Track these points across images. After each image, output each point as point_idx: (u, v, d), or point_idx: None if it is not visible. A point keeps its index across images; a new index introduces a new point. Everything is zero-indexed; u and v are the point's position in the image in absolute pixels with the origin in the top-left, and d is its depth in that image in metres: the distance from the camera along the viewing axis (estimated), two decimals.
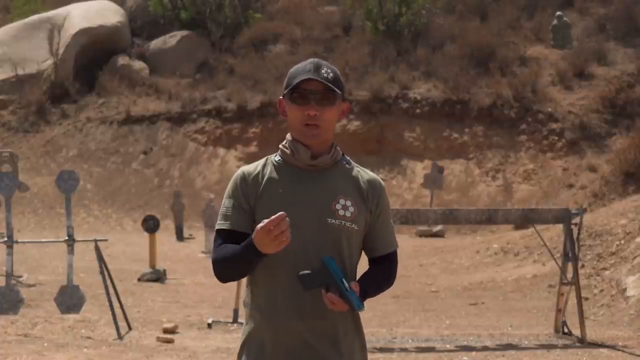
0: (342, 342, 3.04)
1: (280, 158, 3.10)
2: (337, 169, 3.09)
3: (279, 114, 3.14)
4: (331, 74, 3.03)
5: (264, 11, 30.82)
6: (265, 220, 2.80)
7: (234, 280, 3.08)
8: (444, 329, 10.58)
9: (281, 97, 3.11)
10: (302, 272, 2.95)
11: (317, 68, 3.02)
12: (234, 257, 2.96)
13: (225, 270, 3.02)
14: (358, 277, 3.09)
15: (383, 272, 3.13)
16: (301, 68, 3.05)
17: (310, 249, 2.98)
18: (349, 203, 3.03)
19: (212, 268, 3.05)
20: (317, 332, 3.00)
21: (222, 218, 3.06)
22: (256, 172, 3.08)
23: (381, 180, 3.16)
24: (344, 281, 2.90)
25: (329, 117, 3.03)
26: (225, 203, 3.08)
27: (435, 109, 25.11)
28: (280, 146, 3.11)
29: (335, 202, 3.02)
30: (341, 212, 3.01)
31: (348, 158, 3.14)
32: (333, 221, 3.00)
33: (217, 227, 3.08)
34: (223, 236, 3.05)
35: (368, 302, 3.07)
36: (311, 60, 3.08)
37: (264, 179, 3.06)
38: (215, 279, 3.10)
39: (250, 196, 3.04)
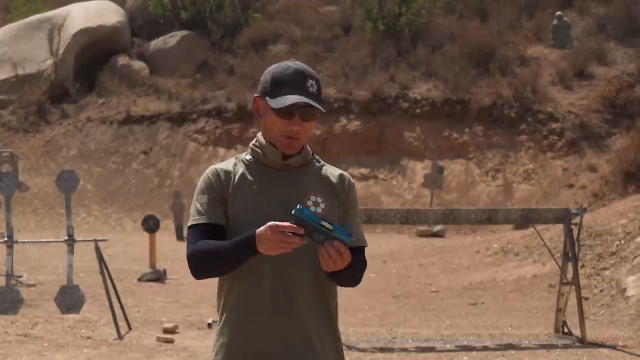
0: (316, 343, 3.00)
1: (251, 157, 3.10)
2: (308, 167, 3.11)
3: (254, 112, 3.11)
4: (315, 86, 3.02)
5: (264, 11, 30.82)
6: (285, 223, 2.79)
7: (211, 276, 2.99)
8: (444, 329, 10.57)
9: (257, 96, 3.08)
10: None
11: (302, 80, 3.00)
12: (222, 251, 2.91)
13: (207, 264, 2.95)
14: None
15: (352, 264, 3.00)
16: (287, 77, 3.01)
17: None
18: (319, 199, 3.04)
19: (189, 263, 2.97)
20: (289, 330, 2.99)
21: (197, 214, 3.01)
22: (228, 169, 3.07)
23: (350, 177, 3.17)
24: (324, 222, 2.84)
25: (309, 129, 3.07)
26: (199, 199, 3.04)
27: (435, 109, 25.10)
28: (251, 145, 3.10)
29: (306, 199, 3.03)
30: (312, 209, 3.01)
31: (317, 157, 3.17)
32: None
33: (191, 222, 3.02)
34: (200, 231, 3.00)
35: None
36: (295, 67, 3.03)
37: (237, 176, 3.05)
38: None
39: (224, 191, 3.03)
